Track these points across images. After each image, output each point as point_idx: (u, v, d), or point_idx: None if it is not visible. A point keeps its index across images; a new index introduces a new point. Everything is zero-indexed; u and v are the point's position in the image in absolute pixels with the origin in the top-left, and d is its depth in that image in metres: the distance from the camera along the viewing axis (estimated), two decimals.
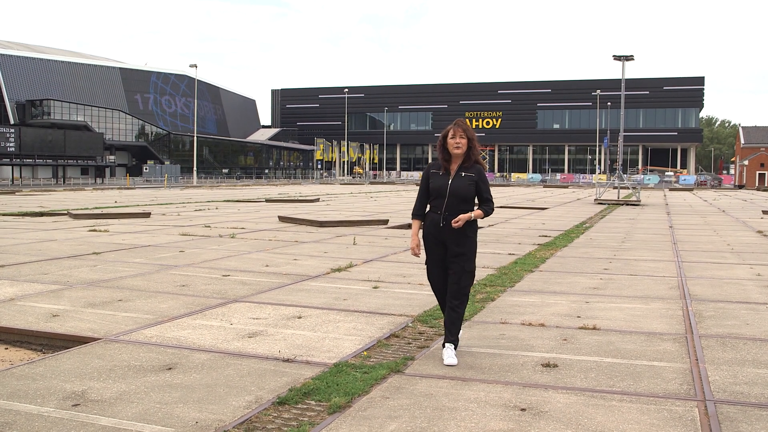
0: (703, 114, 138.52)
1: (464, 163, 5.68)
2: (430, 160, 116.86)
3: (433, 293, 6.18)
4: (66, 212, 22.80)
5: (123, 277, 9.59)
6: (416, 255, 5.89)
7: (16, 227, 17.49)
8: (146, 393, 4.74)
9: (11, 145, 64.25)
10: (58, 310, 7.39)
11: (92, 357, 5.63)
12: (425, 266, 5.94)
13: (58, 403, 4.52)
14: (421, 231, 5.89)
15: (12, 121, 76.19)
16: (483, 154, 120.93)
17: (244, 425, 4.18)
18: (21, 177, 69.09)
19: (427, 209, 5.84)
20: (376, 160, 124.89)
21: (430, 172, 5.78)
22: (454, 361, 5.53)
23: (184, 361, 5.52)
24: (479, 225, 21.21)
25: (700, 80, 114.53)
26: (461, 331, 5.97)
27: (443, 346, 5.70)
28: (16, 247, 12.93)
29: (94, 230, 16.56)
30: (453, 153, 5.65)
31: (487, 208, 5.72)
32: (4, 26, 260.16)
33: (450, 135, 5.68)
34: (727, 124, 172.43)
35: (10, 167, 68.36)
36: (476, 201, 5.82)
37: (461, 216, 5.52)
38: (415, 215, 5.91)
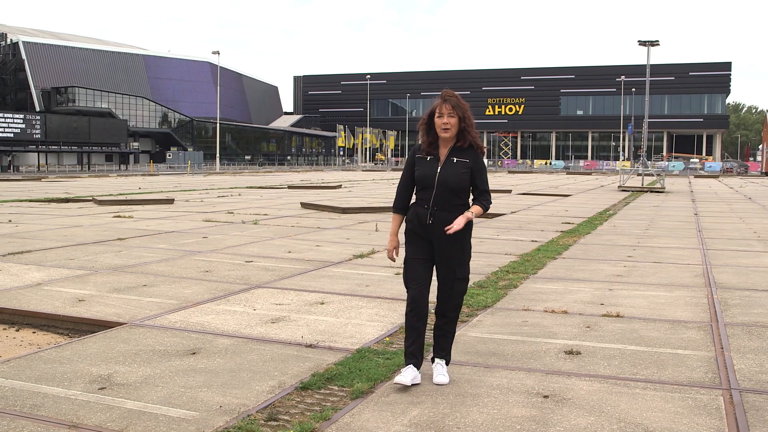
0: (729, 100, 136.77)
1: (456, 146, 4.66)
2: None
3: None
4: (91, 198, 23.04)
5: (147, 263, 9.67)
6: (393, 259, 4.87)
7: (42, 213, 17.71)
8: (171, 377, 4.78)
9: (37, 132, 64.97)
10: (84, 295, 7.48)
11: (118, 341, 5.69)
12: (404, 267, 4.77)
13: (85, 386, 4.58)
14: (403, 226, 4.87)
15: (38, 109, 76.91)
16: (506, 140, 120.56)
17: (268, 410, 4.21)
18: (47, 163, 69.83)
19: (413, 200, 4.85)
20: (398, 147, 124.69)
21: (415, 157, 4.75)
22: (445, 379, 4.70)
23: (208, 346, 5.57)
24: (501, 212, 20.91)
25: (726, 65, 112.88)
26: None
27: (432, 360, 4.86)
28: (42, 233, 13.09)
29: (119, 216, 16.72)
30: (440, 136, 4.64)
31: (485, 201, 4.71)
32: (29, 14, 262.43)
33: (437, 113, 4.64)
34: (754, 110, 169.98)
35: (36, 154, 69.15)
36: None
37: (457, 221, 4.52)
38: (396, 209, 4.87)
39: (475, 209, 4.66)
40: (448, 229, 4.50)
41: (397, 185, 4.88)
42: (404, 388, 4.58)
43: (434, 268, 4.77)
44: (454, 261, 4.69)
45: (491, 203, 4.81)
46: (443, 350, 4.83)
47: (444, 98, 4.64)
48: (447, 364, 4.84)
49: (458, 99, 4.64)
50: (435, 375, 4.75)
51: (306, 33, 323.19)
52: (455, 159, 4.62)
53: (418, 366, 4.67)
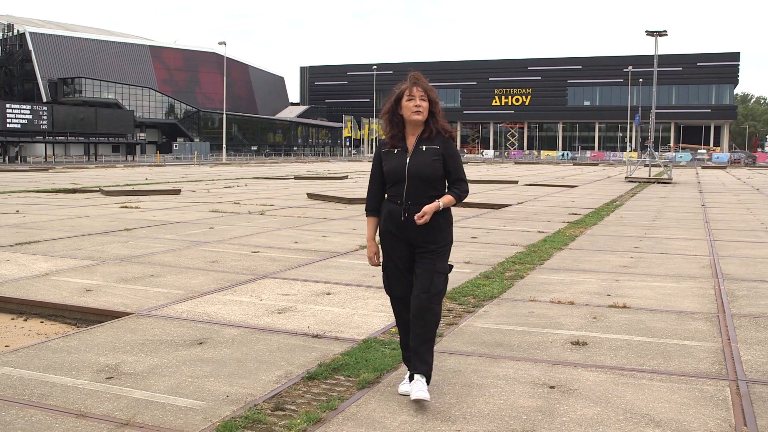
0: (737, 90, 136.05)
1: (423, 134, 4.26)
2: (459, 138, 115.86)
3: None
4: (98, 189, 23.10)
5: (154, 253, 9.70)
6: (376, 265, 4.46)
7: (49, 204, 17.76)
8: (178, 367, 4.80)
9: (44, 123, 65.12)
10: (92, 285, 7.51)
11: (125, 331, 5.72)
12: (383, 274, 4.44)
13: (92, 375, 4.60)
14: (378, 229, 4.45)
15: (45, 99, 77.03)
16: (512, 131, 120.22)
17: (274, 399, 4.23)
18: (54, 154, 69.99)
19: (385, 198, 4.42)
20: None
21: (381, 152, 4.36)
22: (425, 394, 4.09)
23: (215, 336, 5.58)
24: (507, 203, 20.83)
25: (735, 56, 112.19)
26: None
27: (411, 378, 4.26)
28: (50, 223, 13.14)
29: (126, 207, 16.76)
30: (411, 120, 4.21)
31: (459, 191, 4.30)
32: (36, 5, 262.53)
33: (406, 96, 4.22)
34: (762, 101, 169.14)
35: (44, 145, 69.32)
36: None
37: (426, 208, 4.13)
38: (369, 211, 4.47)
39: (446, 198, 4.24)
40: (418, 217, 4.12)
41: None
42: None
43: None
44: (433, 253, 4.24)
45: (467, 192, 4.39)
46: (424, 363, 4.21)
47: (414, 81, 4.26)
48: (428, 382, 4.22)
49: (427, 83, 4.29)
50: (414, 391, 4.13)
51: (312, 23, 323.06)
52: (424, 147, 4.24)
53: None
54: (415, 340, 4.22)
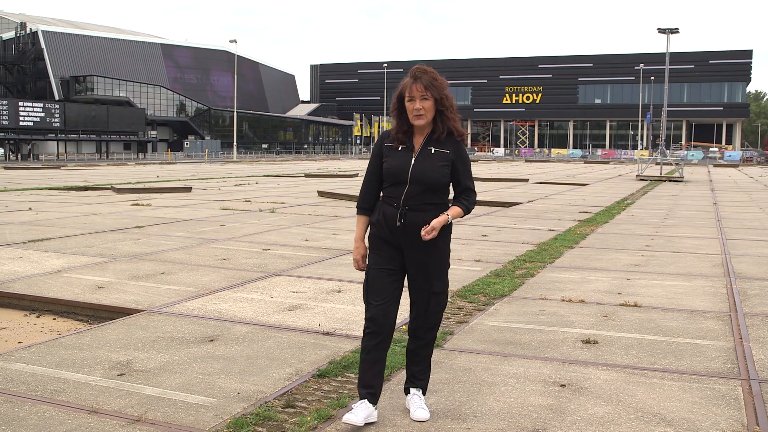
0: (750, 88, 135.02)
1: (434, 134, 3.83)
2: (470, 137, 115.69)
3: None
4: (109, 186, 23.20)
5: (165, 251, 9.73)
6: (361, 269, 4.03)
7: (62, 201, 17.86)
8: (189, 364, 4.82)
9: (56, 120, 65.42)
10: (103, 282, 7.54)
11: (136, 328, 5.74)
12: (365, 278, 3.97)
13: (104, 372, 4.63)
14: (368, 230, 4.03)
15: (57, 97, 77.39)
16: (523, 129, 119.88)
17: (285, 397, 4.23)
18: (66, 152, 70.41)
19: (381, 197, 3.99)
20: None
21: (383, 147, 3.92)
22: (425, 414, 3.89)
23: (226, 333, 5.60)
24: (518, 201, 20.74)
25: (747, 53, 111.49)
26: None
27: (407, 391, 4.06)
28: (62, 221, 13.21)
29: (137, 204, 16.84)
30: (414, 124, 3.81)
31: (467, 202, 3.89)
32: (48, 3, 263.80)
33: (406, 96, 3.79)
34: None
35: (56, 142, 69.68)
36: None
37: (434, 222, 3.72)
38: (360, 209, 4.03)
39: (454, 210, 3.83)
40: (424, 234, 3.71)
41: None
42: None
43: (404, 280, 3.97)
44: (430, 272, 3.88)
45: (475, 204, 4.00)
46: (420, 379, 4.03)
47: (414, 76, 3.78)
48: (424, 394, 4.03)
49: (433, 76, 3.81)
50: (413, 409, 3.93)
51: (323, 21, 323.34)
52: (433, 149, 3.81)
53: (374, 400, 3.84)
54: (414, 359, 4.03)
